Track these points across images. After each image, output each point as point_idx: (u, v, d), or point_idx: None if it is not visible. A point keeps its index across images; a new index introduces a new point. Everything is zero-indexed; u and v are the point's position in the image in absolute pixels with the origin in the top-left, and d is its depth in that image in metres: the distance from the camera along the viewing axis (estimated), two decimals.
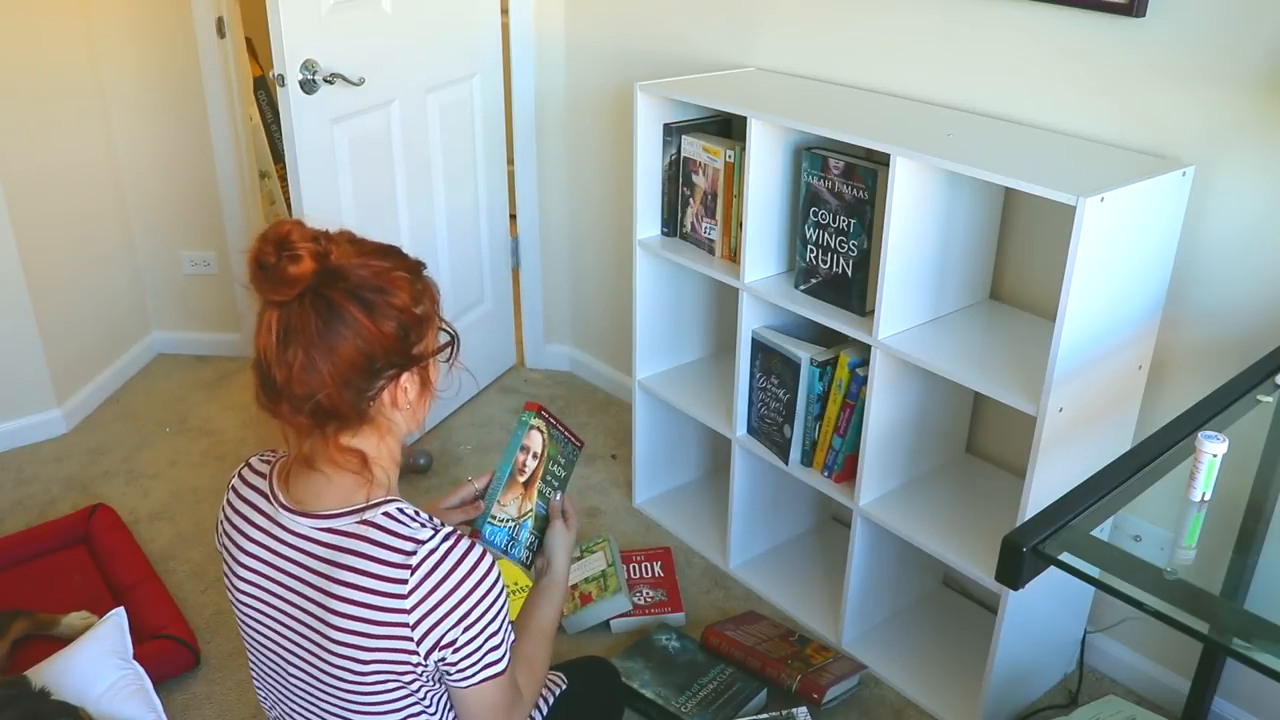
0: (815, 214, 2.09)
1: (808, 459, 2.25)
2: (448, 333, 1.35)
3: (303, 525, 1.30)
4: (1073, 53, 1.92)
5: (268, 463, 1.40)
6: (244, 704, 2.14)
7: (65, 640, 2.14)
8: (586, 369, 3.39)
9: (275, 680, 1.41)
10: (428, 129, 2.83)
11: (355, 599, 1.26)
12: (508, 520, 1.52)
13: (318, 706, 1.37)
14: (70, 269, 3.12)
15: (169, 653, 2.18)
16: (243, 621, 1.39)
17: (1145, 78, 1.84)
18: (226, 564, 1.39)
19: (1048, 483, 1.84)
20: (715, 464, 2.89)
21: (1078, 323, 1.72)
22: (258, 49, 3.81)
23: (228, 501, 1.40)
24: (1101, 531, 1.29)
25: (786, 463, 2.26)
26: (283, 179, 3.87)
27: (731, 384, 2.55)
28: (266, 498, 1.35)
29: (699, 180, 2.35)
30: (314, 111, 2.42)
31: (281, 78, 2.32)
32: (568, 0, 2.96)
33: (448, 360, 1.36)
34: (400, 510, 1.30)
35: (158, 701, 2.02)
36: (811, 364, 2.14)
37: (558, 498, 1.61)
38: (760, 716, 2.04)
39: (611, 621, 2.34)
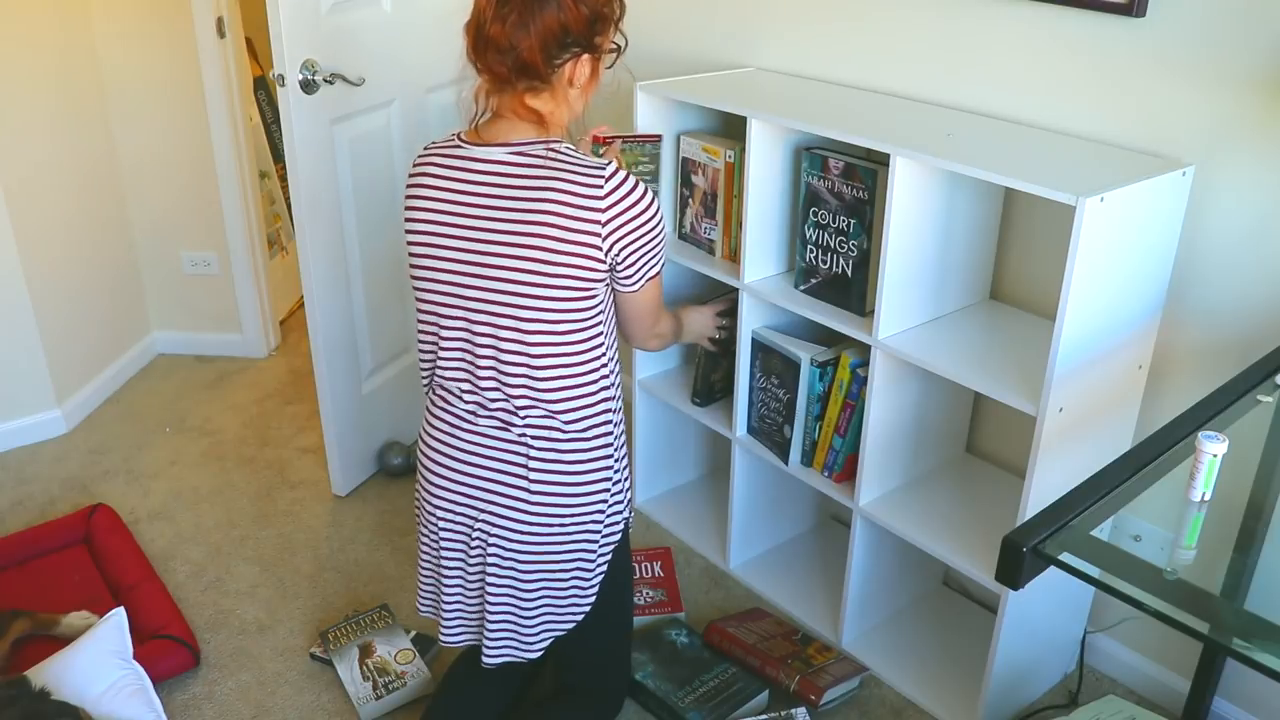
0: (815, 214, 2.09)
1: (808, 459, 2.25)
2: (624, 35, 1.67)
3: (494, 152, 1.58)
4: (1073, 52, 1.92)
5: (452, 137, 1.66)
6: (244, 704, 2.15)
7: (65, 640, 2.14)
8: None
9: (457, 310, 1.62)
10: (428, 129, 2.82)
11: (555, 199, 1.54)
12: None
13: (504, 322, 1.60)
14: (70, 269, 3.12)
15: (169, 653, 2.18)
16: (420, 258, 1.63)
17: (1145, 77, 1.84)
18: (409, 219, 1.64)
19: (1048, 483, 1.84)
20: (715, 464, 2.89)
21: (1078, 323, 1.72)
22: (258, 49, 3.81)
23: (412, 172, 1.66)
24: (1101, 531, 1.29)
25: (786, 463, 2.26)
26: (283, 179, 3.87)
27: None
28: (453, 146, 1.62)
29: (699, 180, 2.35)
30: (314, 111, 2.42)
31: (281, 78, 2.32)
32: None
33: (611, 65, 1.67)
34: (570, 148, 1.60)
35: (158, 701, 2.02)
36: (812, 364, 2.14)
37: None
38: (760, 717, 2.04)
39: None
